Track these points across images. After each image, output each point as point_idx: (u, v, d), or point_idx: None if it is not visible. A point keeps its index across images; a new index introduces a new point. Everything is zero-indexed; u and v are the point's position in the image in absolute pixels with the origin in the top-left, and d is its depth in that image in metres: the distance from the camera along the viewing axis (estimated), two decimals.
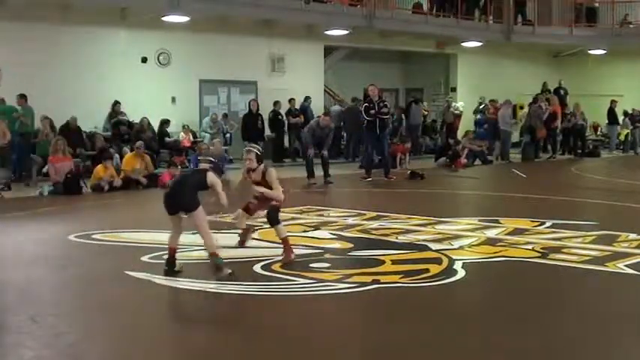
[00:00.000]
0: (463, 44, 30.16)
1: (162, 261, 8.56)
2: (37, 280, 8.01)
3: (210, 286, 7.38)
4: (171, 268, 7.98)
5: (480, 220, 11.23)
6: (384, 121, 18.38)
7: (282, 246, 8.69)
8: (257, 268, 8.16)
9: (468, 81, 31.38)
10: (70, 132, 19.90)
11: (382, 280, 7.44)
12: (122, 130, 21.10)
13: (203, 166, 8.26)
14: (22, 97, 19.00)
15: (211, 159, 8.46)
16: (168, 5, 21.72)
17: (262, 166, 8.79)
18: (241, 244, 9.23)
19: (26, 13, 20.34)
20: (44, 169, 17.22)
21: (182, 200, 7.91)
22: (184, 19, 22.67)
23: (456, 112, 28.23)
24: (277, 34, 25.41)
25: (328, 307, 6.77)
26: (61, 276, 8.09)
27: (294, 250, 8.71)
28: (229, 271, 7.71)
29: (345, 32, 26.30)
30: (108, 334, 6.08)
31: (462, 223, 11.08)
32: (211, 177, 7.99)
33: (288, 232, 10.24)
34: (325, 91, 28.51)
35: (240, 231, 9.28)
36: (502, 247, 9.12)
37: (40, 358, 5.41)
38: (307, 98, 25.83)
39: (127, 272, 8.01)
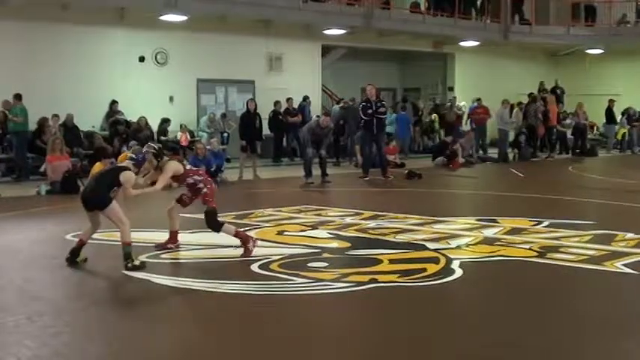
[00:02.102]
0: (461, 44, 30.19)
1: (161, 260, 8.60)
2: (34, 279, 8.01)
3: (208, 285, 7.39)
4: (73, 258, 8.38)
5: (477, 220, 11.24)
6: (381, 120, 18.39)
7: (240, 242, 8.79)
8: (254, 267, 8.16)
9: (466, 80, 31.41)
10: (67, 131, 19.92)
11: (380, 280, 7.45)
12: (119, 129, 21.09)
13: (126, 163, 8.58)
14: (17, 97, 19.02)
15: (133, 156, 8.61)
16: (165, 4, 21.73)
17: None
18: (159, 247, 9.16)
19: (25, 12, 20.33)
20: (41, 168, 17.21)
21: (94, 198, 8.25)
22: (182, 18, 22.69)
23: (459, 111, 28.22)
24: (275, 33, 25.41)
25: (326, 307, 6.78)
26: (59, 275, 8.09)
27: (254, 239, 8.91)
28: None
29: (343, 32, 26.32)
30: (105, 334, 6.08)
31: (460, 223, 11.08)
32: (125, 175, 8.30)
33: (285, 231, 10.29)
34: (323, 90, 28.51)
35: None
36: (500, 247, 9.13)
37: (37, 357, 5.41)
38: (306, 98, 25.84)
39: (124, 272, 8.01)
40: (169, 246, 9.12)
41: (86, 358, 5.43)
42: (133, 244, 8.24)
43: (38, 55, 20.72)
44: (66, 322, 6.41)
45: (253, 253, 8.61)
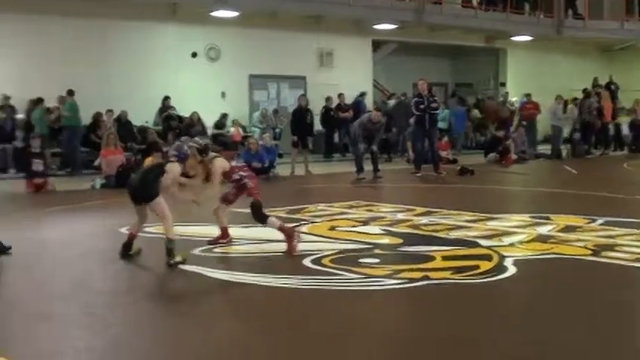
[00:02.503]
0: (513, 39, 29.94)
1: (213, 254, 8.65)
2: (88, 271, 8.12)
3: (260, 279, 7.41)
4: (126, 252, 8.49)
5: (530, 217, 11.11)
6: (433, 116, 18.31)
7: (284, 236, 8.74)
8: (307, 262, 8.17)
9: (518, 76, 31.15)
10: (121, 126, 20.19)
11: (432, 277, 7.40)
12: (172, 125, 21.28)
13: (171, 159, 8.60)
14: (68, 93, 19.40)
15: (175, 153, 8.62)
16: (217, 0, 21.87)
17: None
18: (212, 242, 9.23)
19: (77, 8, 20.62)
20: (95, 163, 17.43)
21: (142, 191, 8.29)
22: (233, 14, 22.84)
23: (512, 107, 28.00)
24: (325, 28, 25.45)
25: (377, 303, 6.76)
26: (112, 268, 8.18)
27: (299, 235, 8.86)
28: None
29: (394, 27, 26.25)
30: (156, 327, 6.13)
31: (513, 220, 10.97)
32: (170, 165, 8.41)
33: (337, 226, 10.28)
34: (374, 85, 28.47)
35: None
36: (553, 244, 9.02)
37: (91, 348, 5.48)
38: (363, 94, 25.82)
39: (180, 265, 8.07)
40: (222, 241, 9.19)
41: (138, 351, 5.47)
42: (186, 238, 8.31)
43: (92, 52, 21.02)
44: (118, 315, 6.49)
45: (298, 249, 8.60)
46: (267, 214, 8.94)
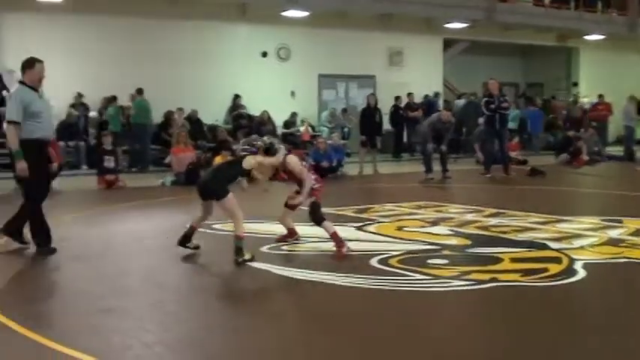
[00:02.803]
0: (585, 37, 29.48)
1: (281, 252, 8.71)
2: (157, 267, 8.24)
3: (327, 278, 7.43)
4: (185, 242, 8.64)
5: (601, 220, 10.94)
6: (504, 116, 18.13)
7: (333, 242, 8.72)
8: (374, 261, 8.16)
9: (590, 75, 30.67)
10: (192, 124, 20.45)
11: (500, 279, 7.33)
12: (242, 123, 21.46)
13: (244, 154, 8.69)
14: (137, 92, 19.79)
15: (247, 147, 8.73)
16: (287, 0, 21.98)
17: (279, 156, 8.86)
18: (280, 239, 9.28)
19: (149, 9, 20.95)
20: (166, 160, 17.68)
21: (212, 188, 8.34)
22: (304, 14, 22.91)
23: (585, 106, 27.59)
24: (395, 27, 25.41)
25: (444, 304, 6.73)
26: (181, 264, 8.27)
27: (348, 247, 8.72)
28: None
29: (465, 25, 26.08)
30: (224, 324, 6.19)
31: (583, 222, 10.80)
32: (247, 160, 8.46)
33: (405, 227, 10.27)
34: (444, 85, 28.33)
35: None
36: (625, 248, 8.86)
37: (161, 342, 5.55)
38: (437, 94, 25.71)
39: (248, 262, 8.14)
40: (289, 239, 9.24)
41: (207, 347, 5.52)
42: (254, 235, 8.36)
43: (164, 51, 21.34)
44: (187, 310, 6.58)
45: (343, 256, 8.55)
46: (324, 217, 8.94)
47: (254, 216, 10.04)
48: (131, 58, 20.85)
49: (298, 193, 9.03)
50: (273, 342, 5.65)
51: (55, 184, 15.89)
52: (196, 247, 8.68)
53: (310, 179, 8.84)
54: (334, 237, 8.70)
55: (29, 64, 8.80)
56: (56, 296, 7.10)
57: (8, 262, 8.60)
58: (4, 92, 16.10)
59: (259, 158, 8.58)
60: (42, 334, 5.59)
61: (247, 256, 8.12)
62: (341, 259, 8.47)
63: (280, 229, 9.45)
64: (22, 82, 8.81)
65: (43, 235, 8.90)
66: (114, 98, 20.17)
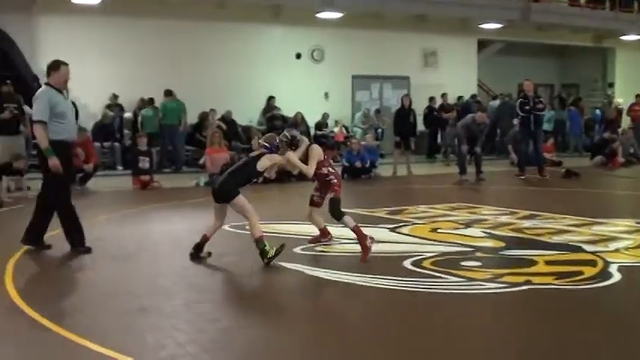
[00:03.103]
0: (622, 38, 29.21)
1: (314, 253, 8.70)
2: (189, 267, 8.27)
3: (360, 279, 7.43)
4: (197, 253, 8.50)
5: (637, 222, 10.83)
6: (539, 117, 18.00)
7: (356, 238, 8.61)
8: (407, 263, 8.15)
9: (627, 76, 30.35)
10: (226, 125, 20.54)
11: (534, 281, 7.29)
12: (276, 125, 21.50)
13: (260, 152, 8.62)
14: (165, 93, 19.99)
15: (267, 144, 8.61)
16: (322, 2, 22.02)
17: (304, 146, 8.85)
18: (313, 241, 9.26)
19: (183, 10, 21.07)
20: (200, 161, 17.75)
21: (223, 190, 8.38)
22: (338, 15, 22.92)
23: (619, 107, 27.33)
24: (430, 28, 25.35)
25: (478, 307, 6.69)
26: (216, 264, 8.30)
27: (372, 239, 8.66)
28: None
29: (500, 26, 25.96)
30: (259, 324, 6.21)
31: (619, 225, 10.72)
32: (262, 162, 8.42)
33: (439, 228, 10.24)
34: (479, 86, 28.21)
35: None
36: None
37: (194, 341, 5.58)
38: (474, 96, 25.60)
39: (279, 263, 8.17)
40: (322, 239, 9.25)
41: (239, 347, 5.55)
42: (287, 236, 8.34)
43: (198, 53, 21.47)
44: (220, 310, 6.62)
45: (370, 252, 8.48)
46: (344, 211, 8.88)
47: (285, 217, 10.06)
48: (166, 60, 20.98)
49: (318, 190, 9.02)
50: (304, 343, 5.66)
51: (90, 184, 16.15)
52: (208, 255, 8.58)
53: (312, 168, 8.75)
54: (356, 231, 8.62)
55: (55, 66, 8.95)
56: (92, 296, 7.16)
57: (43, 262, 8.71)
58: None
59: (277, 158, 8.57)
60: (78, 333, 5.65)
61: (272, 252, 8.05)
62: (365, 253, 8.41)
63: (312, 230, 9.46)
64: (47, 84, 8.94)
65: (76, 234, 8.99)
66: (151, 100, 20.30)
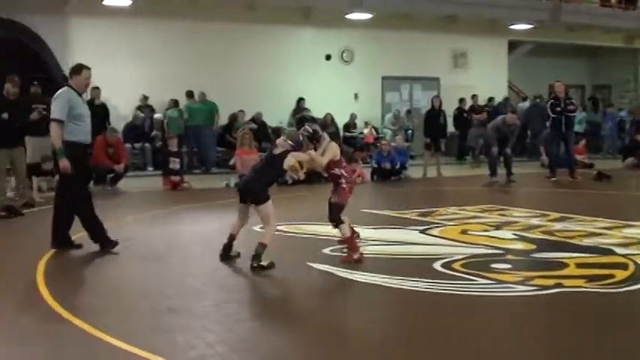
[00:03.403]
0: None
1: (343, 254, 8.66)
2: (219, 268, 8.29)
3: (390, 281, 7.41)
4: (226, 254, 8.47)
5: None
6: (570, 118, 17.87)
7: (346, 247, 8.57)
8: (437, 265, 8.12)
9: None
10: (256, 127, 20.63)
11: (565, 284, 7.24)
12: None
13: (283, 149, 8.49)
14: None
15: (290, 142, 8.54)
16: (352, 3, 22.03)
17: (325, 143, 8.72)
18: (342, 242, 9.04)
19: (214, 12, 21.15)
20: (231, 162, 17.80)
21: (253, 191, 8.29)
22: (367, 16, 22.91)
23: None
24: (459, 29, 25.25)
25: (508, 310, 6.66)
26: (245, 264, 8.30)
27: (360, 249, 8.55)
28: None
29: (530, 26, 25.82)
30: (288, 324, 6.23)
31: None
32: (288, 161, 8.34)
33: (469, 230, 10.19)
34: (509, 87, 28.07)
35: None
36: None
37: (223, 341, 5.61)
38: (506, 99, 25.47)
39: (309, 263, 8.17)
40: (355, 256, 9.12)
41: (270, 348, 5.57)
42: (314, 236, 8.29)
43: (229, 55, 21.54)
44: (249, 311, 6.66)
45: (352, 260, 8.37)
46: (344, 219, 8.69)
47: (314, 218, 10.05)
48: (196, 61, 21.06)
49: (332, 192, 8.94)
50: (333, 344, 5.66)
51: (121, 184, 16.27)
52: (237, 255, 8.55)
53: (325, 159, 8.60)
54: (349, 242, 8.52)
55: (76, 70, 9.15)
56: (122, 295, 7.20)
57: (74, 262, 8.79)
58: None
59: (302, 156, 8.53)
60: (109, 333, 5.69)
61: (265, 263, 7.95)
62: (347, 258, 8.34)
63: (337, 232, 9.40)
64: (69, 86, 9.09)
65: (100, 234, 9.08)
66: (176, 103, 20.40)
